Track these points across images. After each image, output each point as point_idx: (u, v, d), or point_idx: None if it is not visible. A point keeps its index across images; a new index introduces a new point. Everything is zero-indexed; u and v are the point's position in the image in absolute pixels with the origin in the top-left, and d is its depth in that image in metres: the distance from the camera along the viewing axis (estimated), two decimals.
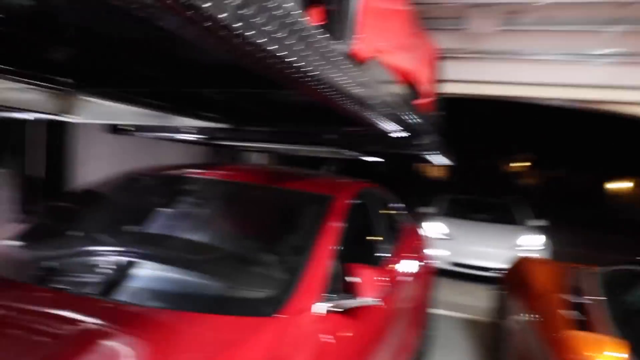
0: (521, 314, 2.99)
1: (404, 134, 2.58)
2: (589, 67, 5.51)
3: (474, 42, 5.64)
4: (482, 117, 23.40)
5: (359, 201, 2.55)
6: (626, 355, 1.75)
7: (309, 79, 1.26)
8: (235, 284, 1.76)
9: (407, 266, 3.03)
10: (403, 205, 3.74)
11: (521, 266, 3.65)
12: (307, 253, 1.84)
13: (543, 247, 6.43)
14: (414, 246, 3.45)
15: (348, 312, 1.79)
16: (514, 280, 3.53)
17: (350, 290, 1.76)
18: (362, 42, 1.72)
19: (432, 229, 6.86)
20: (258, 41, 0.94)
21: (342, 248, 1.99)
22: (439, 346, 3.89)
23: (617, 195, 27.60)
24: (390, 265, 2.59)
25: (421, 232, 4.01)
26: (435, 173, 32.53)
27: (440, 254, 6.60)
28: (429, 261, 3.77)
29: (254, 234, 2.22)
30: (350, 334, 1.81)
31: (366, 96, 1.80)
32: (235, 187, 2.49)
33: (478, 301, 5.41)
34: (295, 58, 1.11)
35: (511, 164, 30.13)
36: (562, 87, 5.77)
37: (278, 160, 8.13)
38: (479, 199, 8.34)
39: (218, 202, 2.42)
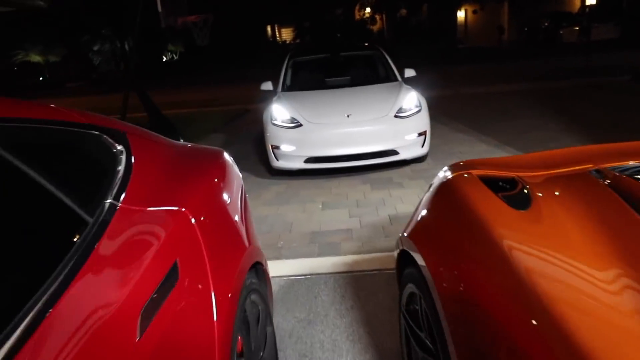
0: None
1: None
2: None
3: None
4: None
5: None
6: None
7: None
8: None
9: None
10: None
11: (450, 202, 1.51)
12: None
13: (419, 108, 4.57)
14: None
15: None
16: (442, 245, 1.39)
17: None
18: None
19: (274, 117, 4.58)
20: None
21: None
22: None
23: (456, 27, 27.79)
24: None
25: (218, 160, 1.73)
26: (289, 36, 29.08)
27: (285, 151, 4.46)
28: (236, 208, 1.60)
29: None
30: None
31: None
32: None
33: (357, 216, 3.49)
34: None
35: (360, 12, 28.17)
36: None
37: None
38: (331, 56, 6.07)
39: None
